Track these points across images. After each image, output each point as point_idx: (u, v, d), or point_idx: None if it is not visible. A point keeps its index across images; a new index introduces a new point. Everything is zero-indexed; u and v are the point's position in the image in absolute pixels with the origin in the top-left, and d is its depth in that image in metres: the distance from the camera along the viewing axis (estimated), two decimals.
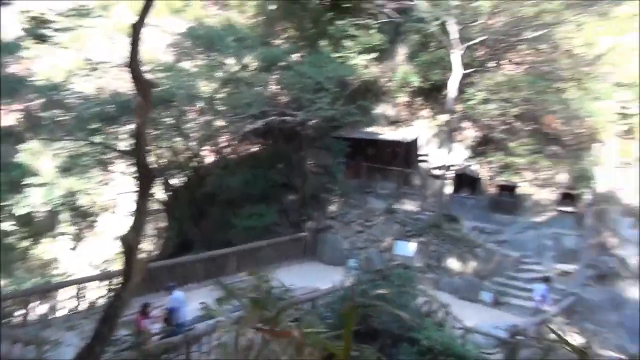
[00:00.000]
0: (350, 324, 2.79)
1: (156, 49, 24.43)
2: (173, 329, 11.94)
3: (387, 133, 23.25)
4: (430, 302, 15.70)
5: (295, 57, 23.24)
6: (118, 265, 21.75)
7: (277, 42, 25.79)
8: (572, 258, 18.36)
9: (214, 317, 9.65)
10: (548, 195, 20.59)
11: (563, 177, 20.71)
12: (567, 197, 20.02)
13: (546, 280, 16.02)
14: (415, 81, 22.64)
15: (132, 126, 13.79)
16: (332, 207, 22.54)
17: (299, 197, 23.07)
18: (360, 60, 22.59)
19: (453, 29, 19.34)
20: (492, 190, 21.50)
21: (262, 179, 22.18)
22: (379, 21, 23.23)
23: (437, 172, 22.35)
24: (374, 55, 23.13)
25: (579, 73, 21.31)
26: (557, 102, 20.38)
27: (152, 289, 15.05)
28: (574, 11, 19.49)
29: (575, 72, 21.28)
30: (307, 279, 17.05)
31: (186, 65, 23.73)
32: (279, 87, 22.81)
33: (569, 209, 19.81)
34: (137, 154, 5.33)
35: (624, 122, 21.15)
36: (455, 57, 19.60)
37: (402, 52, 23.99)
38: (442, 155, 22.14)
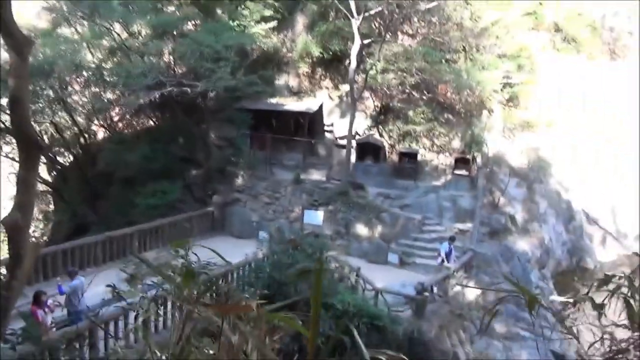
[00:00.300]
0: (319, 297, 2.53)
1: (28, 12, 21.80)
2: (75, 317, 10.92)
3: (291, 104, 23.04)
4: (342, 268, 16.08)
5: (190, 25, 21.99)
6: (4, 253, 19.48)
7: (170, 9, 24.21)
8: (468, 217, 19.73)
9: (124, 298, 8.93)
10: (445, 160, 21.84)
11: (457, 143, 22.06)
12: (462, 162, 21.37)
13: (452, 239, 17.04)
14: (316, 51, 22.57)
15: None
16: (239, 180, 22.00)
17: (203, 172, 22.17)
18: (259, 29, 21.95)
19: None
20: (395, 157, 22.31)
21: (162, 154, 20.94)
22: None
23: (341, 141, 22.68)
24: (272, 24, 22.60)
25: (468, 45, 22.65)
26: (449, 72, 21.51)
27: (47, 276, 13.63)
28: None
29: (465, 43, 22.58)
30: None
31: (66, 31, 21.46)
32: (174, 56, 21.50)
33: (464, 172, 21.19)
34: (17, 121, 4.50)
35: (507, 91, 22.97)
36: (355, 27, 19.75)
37: (301, 21, 23.73)
38: (345, 125, 22.48)
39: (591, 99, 26.75)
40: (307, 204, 20.85)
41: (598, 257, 24.87)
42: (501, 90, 22.29)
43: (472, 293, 16.87)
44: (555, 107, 25.17)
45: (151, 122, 23.62)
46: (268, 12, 21.89)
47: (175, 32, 21.05)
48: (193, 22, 22.62)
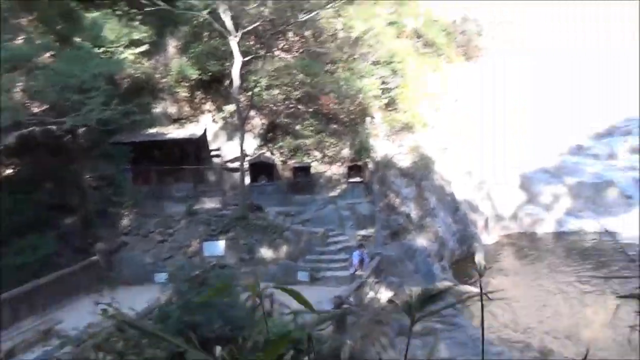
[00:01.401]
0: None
1: None
2: None
3: (173, 132, 21.66)
4: (254, 296, 15.26)
5: (48, 55, 19.66)
6: None
7: (19, 40, 21.47)
8: (369, 223, 20.02)
9: None
10: (338, 170, 22.01)
11: (347, 152, 22.39)
12: (355, 169, 21.71)
13: (361, 246, 17.05)
14: (193, 74, 21.55)
15: None
16: (124, 222, 20.02)
17: (79, 218, 19.81)
18: (128, 54, 20.35)
19: (227, 17, 18.83)
20: (288, 173, 21.99)
21: (26, 204, 18.26)
22: (143, 11, 21.25)
23: (231, 165, 21.82)
24: (142, 48, 21.12)
25: (344, 55, 23.22)
26: (330, 82, 21.84)
27: None
28: None
29: (341, 54, 23.12)
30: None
31: None
32: (31, 92, 19.01)
33: (358, 179, 21.53)
34: None
35: (385, 96, 23.93)
36: (233, 45, 19.16)
37: (173, 44, 22.52)
38: (233, 148, 21.68)
39: (453, 98, 29.07)
40: (205, 235, 19.64)
41: (484, 241, 26.86)
42: (380, 96, 23.17)
43: (386, 296, 17.03)
44: (426, 108, 26.90)
45: (8, 170, 20.60)
46: (137, 35, 20.37)
47: (31, 64, 18.62)
48: (50, 52, 20.25)
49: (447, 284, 18.81)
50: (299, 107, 22.18)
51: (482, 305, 1.86)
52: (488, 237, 27.55)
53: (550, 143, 31.08)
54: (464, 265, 24.33)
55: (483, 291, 2.15)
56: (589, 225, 28.13)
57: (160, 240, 19.84)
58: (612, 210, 28.24)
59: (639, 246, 16.80)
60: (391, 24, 27.67)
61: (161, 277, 17.41)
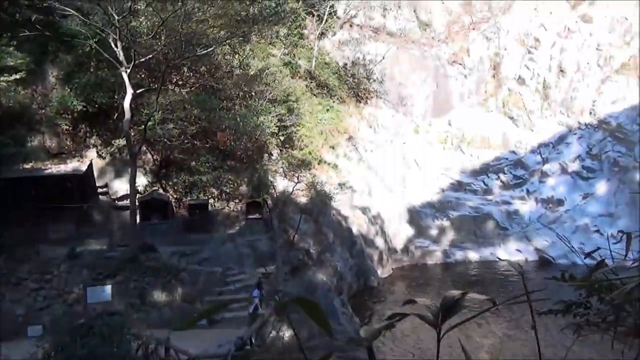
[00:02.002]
0: None
1: None
2: None
3: (53, 167, 19.74)
4: (147, 343, 14.04)
5: None
6: None
7: None
8: (269, 260, 19.64)
9: None
10: (236, 206, 21.52)
11: (245, 189, 22.05)
12: (253, 206, 21.37)
13: (259, 285, 16.55)
14: (77, 105, 20.03)
15: None
16: None
17: None
18: (1, 81, 18.37)
19: (118, 47, 17.92)
20: (184, 211, 21.02)
21: None
22: (19, 36, 19.52)
23: (121, 202, 20.34)
24: (17, 76, 19.22)
25: (241, 91, 23.19)
26: (227, 119, 21.57)
27: None
28: (228, 34, 20.93)
29: (239, 90, 23.06)
30: None
31: None
32: None
33: (257, 216, 21.19)
34: None
35: (282, 134, 24.17)
36: (125, 77, 18.20)
37: (54, 73, 20.86)
38: (122, 184, 20.32)
39: (346, 137, 30.29)
40: (90, 279, 17.83)
41: (379, 274, 27.69)
42: (277, 133, 23.35)
43: (288, 335, 16.63)
44: (322, 146, 27.66)
45: None
46: (11, 62, 18.51)
47: None
48: None
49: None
50: (195, 142, 21.56)
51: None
52: (383, 270, 28.47)
53: (434, 180, 33.36)
54: (361, 298, 24.80)
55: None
56: (472, 255, 30.36)
57: (35, 287, 17.62)
58: (491, 240, 30.80)
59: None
60: (286, 64, 28.40)
61: (36, 329, 15.46)
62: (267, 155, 23.45)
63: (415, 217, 31.91)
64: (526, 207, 31.31)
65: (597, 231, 28.81)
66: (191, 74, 23.30)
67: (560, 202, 30.45)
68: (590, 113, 31.40)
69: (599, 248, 2.38)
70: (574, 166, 30.73)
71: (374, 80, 33.97)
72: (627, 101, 30.14)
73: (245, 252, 19.99)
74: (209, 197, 21.32)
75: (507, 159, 32.93)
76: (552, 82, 33.30)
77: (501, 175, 32.60)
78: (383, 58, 34.18)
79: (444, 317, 1.65)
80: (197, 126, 20.81)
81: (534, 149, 32.42)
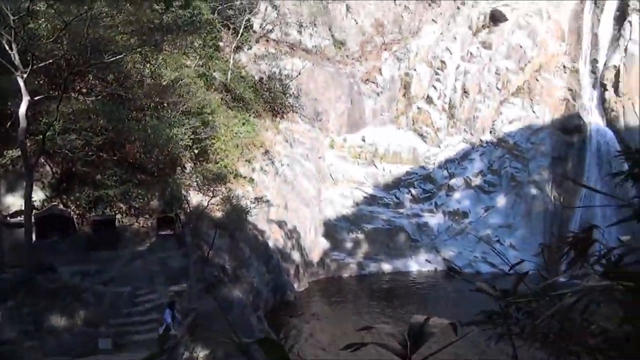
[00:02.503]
0: None
1: None
2: None
3: None
4: None
5: None
6: None
7: None
8: (182, 277, 18.80)
9: None
10: (146, 222, 20.44)
11: (156, 203, 21.03)
12: (165, 221, 20.41)
13: (171, 305, 15.73)
14: None
15: None
16: None
17: None
18: None
19: (13, 50, 16.43)
20: (88, 227, 19.57)
21: None
22: None
23: (14, 219, 18.51)
24: None
25: (153, 102, 22.21)
26: (137, 130, 20.51)
27: None
28: (139, 42, 20.03)
29: (150, 101, 22.07)
30: None
31: None
32: None
33: (169, 232, 20.24)
34: None
35: (197, 146, 23.45)
36: (21, 82, 16.70)
37: None
38: (15, 199, 18.55)
39: (263, 151, 30.12)
40: None
41: (296, 288, 27.60)
42: (191, 146, 22.59)
43: (202, 354, 15.96)
44: (238, 160, 27.24)
45: None
46: None
47: None
48: None
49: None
50: (101, 154, 20.21)
51: None
52: (299, 284, 28.40)
53: (349, 194, 34.07)
54: (277, 314, 24.50)
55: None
56: (385, 266, 31.25)
57: None
58: (403, 252, 31.93)
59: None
60: (201, 76, 27.74)
61: None
62: (180, 168, 22.59)
63: (331, 230, 32.33)
64: (435, 220, 32.88)
65: (498, 241, 30.91)
66: (97, 81, 21.95)
67: (465, 214, 32.33)
68: (491, 132, 33.85)
69: (522, 260, 2.45)
70: (477, 181, 32.85)
71: (290, 95, 34.20)
72: (522, 122, 32.88)
73: (156, 270, 18.97)
74: (116, 212, 20.04)
75: (417, 173, 34.48)
76: (457, 102, 35.54)
77: (412, 189, 34.04)
78: (299, 74, 34.56)
79: (413, 347, 1.49)
80: (103, 137, 19.54)
81: (442, 164, 34.26)
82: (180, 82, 23.32)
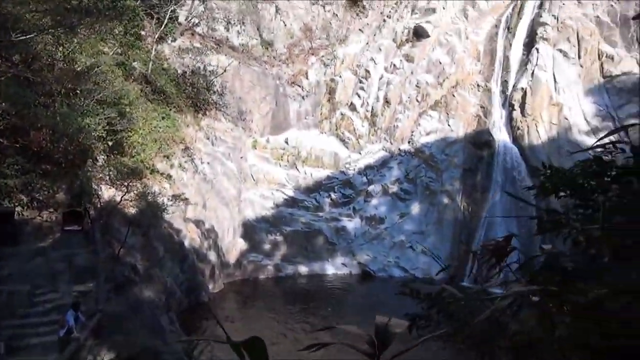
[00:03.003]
0: None
1: None
2: None
3: None
4: None
5: None
6: None
7: None
8: (89, 276, 17.67)
9: None
10: (50, 216, 19.01)
11: (63, 196, 19.65)
12: (72, 216, 19.11)
13: (76, 305, 14.72)
14: None
15: None
16: None
17: None
18: None
19: None
20: None
21: None
22: None
23: None
24: None
25: (64, 88, 20.76)
26: (46, 117, 19.07)
27: None
28: (53, 23, 18.67)
29: (61, 86, 20.61)
30: None
31: None
32: None
33: (76, 227, 18.97)
34: None
35: (111, 138, 22.24)
36: None
37: None
38: None
39: (183, 147, 29.21)
40: None
41: (211, 289, 26.97)
42: (105, 137, 21.39)
43: (107, 359, 15.10)
44: (157, 155, 26.17)
45: None
46: None
47: None
48: None
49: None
50: (1, 140, 18.56)
51: None
52: (215, 285, 27.78)
53: (269, 195, 33.93)
54: (191, 315, 23.79)
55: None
56: (302, 269, 31.47)
57: None
58: (320, 255, 32.31)
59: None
60: (119, 64, 26.34)
61: None
62: (91, 160, 21.28)
63: (250, 231, 32.00)
64: (352, 224, 33.62)
65: (411, 247, 32.24)
66: (1, 61, 20.15)
67: (381, 220, 33.37)
68: (409, 142, 35.27)
69: (449, 266, 2.56)
70: (394, 188, 34.06)
71: (214, 92, 33.46)
72: (438, 134, 34.60)
73: (59, 268, 17.67)
74: (16, 204, 18.46)
75: (337, 178, 35.09)
76: (379, 111, 36.67)
77: (332, 194, 34.58)
78: (225, 71, 33.92)
79: (381, 346, 1.48)
80: (5, 122, 17.96)
81: (361, 171, 35.14)
82: (97, 69, 22.00)
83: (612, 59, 31.75)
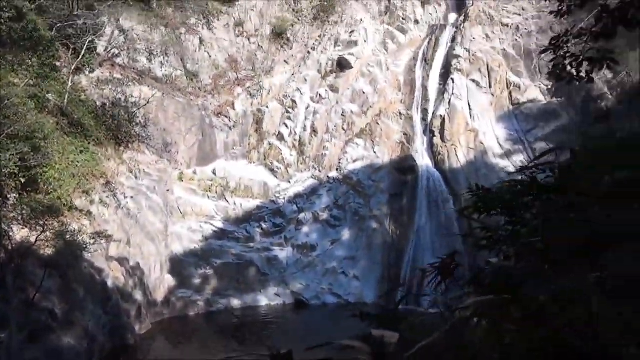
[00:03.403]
0: None
1: None
2: None
3: None
4: None
5: None
6: None
7: None
8: (0, 325, 16.16)
9: None
10: None
11: None
12: None
13: None
14: None
15: None
16: None
17: None
18: None
19: None
20: None
21: None
22: None
23: None
24: None
25: None
26: None
27: None
28: None
29: None
30: None
31: None
32: None
33: None
34: None
35: (24, 175, 20.81)
36: None
37: None
38: None
39: (103, 182, 27.86)
40: None
41: (137, 330, 25.49)
42: (18, 174, 19.95)
43: None
44: (75, 191, 24.73)
45: None
46: None
47: None
48: None
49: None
50: None
51: None
52: (141, 326, 26.29)
53: (198, 228, 33.00)
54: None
55: None
56: (235, 302, 30.66)
57: None
58: (252, 286, 31.68)
59: None
60: (32, 97, 24.85)
61: None
62: (1, 199, 19.69)
63: (178, 266, 30.82)
64: (284, 253, 33.39)
65: (343, 272, 32.49)
66: None
67: (313, 247, 33.45)
68: (337, 169, 35.95)
69: (407, 294, 2.62)
70: (324, 215, 34.38)
71: (137, 124, 32.39)
72: (364, 161, 35.57)
73: None
74: None
75: (267, 207, 34.88)
76: (307, 140, 37.16)
77: (262, 223, 34.26)
78: (148, 102, 32.99)
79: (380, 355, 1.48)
80: None
81: (291, 199, 35.20)
82: (7, 101, 20.62)
83: (519, 88, 34.55)
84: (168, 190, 32.95)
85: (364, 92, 37.73)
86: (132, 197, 29.22)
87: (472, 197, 3.59)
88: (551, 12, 7.10)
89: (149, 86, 34.79)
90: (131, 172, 30.78)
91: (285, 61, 40.61)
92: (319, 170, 36.32)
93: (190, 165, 35.80)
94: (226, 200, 34.60)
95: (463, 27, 37.99)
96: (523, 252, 2.70)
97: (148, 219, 29.78)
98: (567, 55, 6.26)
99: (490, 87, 35.34)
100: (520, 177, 3.74)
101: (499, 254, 3.17)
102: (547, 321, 1.73)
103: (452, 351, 1.98)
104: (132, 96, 32.76)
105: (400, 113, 37.03)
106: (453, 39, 38.18)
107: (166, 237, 30.95)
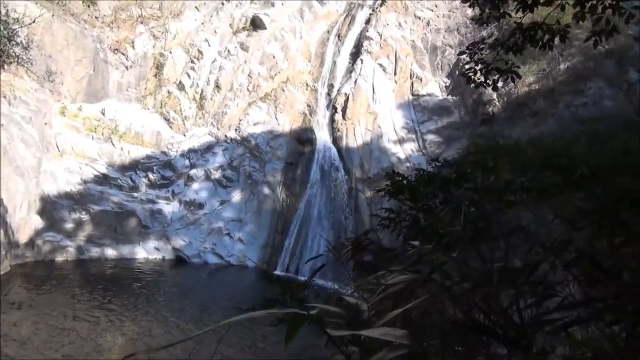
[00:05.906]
0: None
1: None
2: None
3: None
4: None
5: None
6: None
7: None
8: None
9: None
10: None
11: None
12: None
13: None
14: None
15: None
16: None
17: None
18: None
19: None
20: None
21: None
22: None
23: None
24: None
25: None
26: None
27: None
28: None
29: None
30: None
31: None
32: None
33: None
34: None
35: None
36: None
37: None
38: None
39: None
40: None
41: None
42: None
43: None
44: None
45: None
46: None
47: None
48: None
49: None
50: None
51: None
52: None
53: (76, 169, 30.61)
54: None
55: None
56: (110, 252, 29.18)
57: None
58: (131, 238, 30.32)
59: None
60: None
61: None
62: None
63: (49, 208, 28.48)
64: (170, 208, 32.32)
65: (228, 234, 32.30)
66: None
67: (201, 205, 32.75)
68: (236, 130, 35.23)
69: (321, 254, 2.68)
70: (217, 174, 33.71)
71: (17, 44, 28.85)
72: (265, 126, 35.24)
73: None
74: None
75: (157, 158, 33.31)
76: (209, 95, 35.85)
77: (150, 174, 32.70)
78: (33, 21, 29.47)
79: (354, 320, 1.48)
80: None
81: (184, 153, 33.95)
82: None
83: (421, 80, 36.25)
84: (46, 124, 29.99)
85: (274, 57, 37.11)
86: (3, 125, 26.17)
87: (386, 180, 3.76)
88: (472, 19, 7.56)
89: (37, 3, 30.97)
90: (5, 97, 27.46)
91: (196, 8, 38.40)
92: (217, 128, 35.32)
93: (75, 100, 32.78)
94: (112, 144, 32.40)
95: (379, 10, 38.72)
96: (424, 236, 2.91)
97: (19, 151, 26.96)
98: (480, 61, 6.71)
99: (395, 74, 36.62)
100: (426, 168, 3.98)
101: (398, 235, 3.36)
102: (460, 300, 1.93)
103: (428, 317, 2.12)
104: (15, 11, 28.98)
105: (307, 84, 37.08)
106: (368, 21, 38.78)
107: (38, 175, 28.32)
